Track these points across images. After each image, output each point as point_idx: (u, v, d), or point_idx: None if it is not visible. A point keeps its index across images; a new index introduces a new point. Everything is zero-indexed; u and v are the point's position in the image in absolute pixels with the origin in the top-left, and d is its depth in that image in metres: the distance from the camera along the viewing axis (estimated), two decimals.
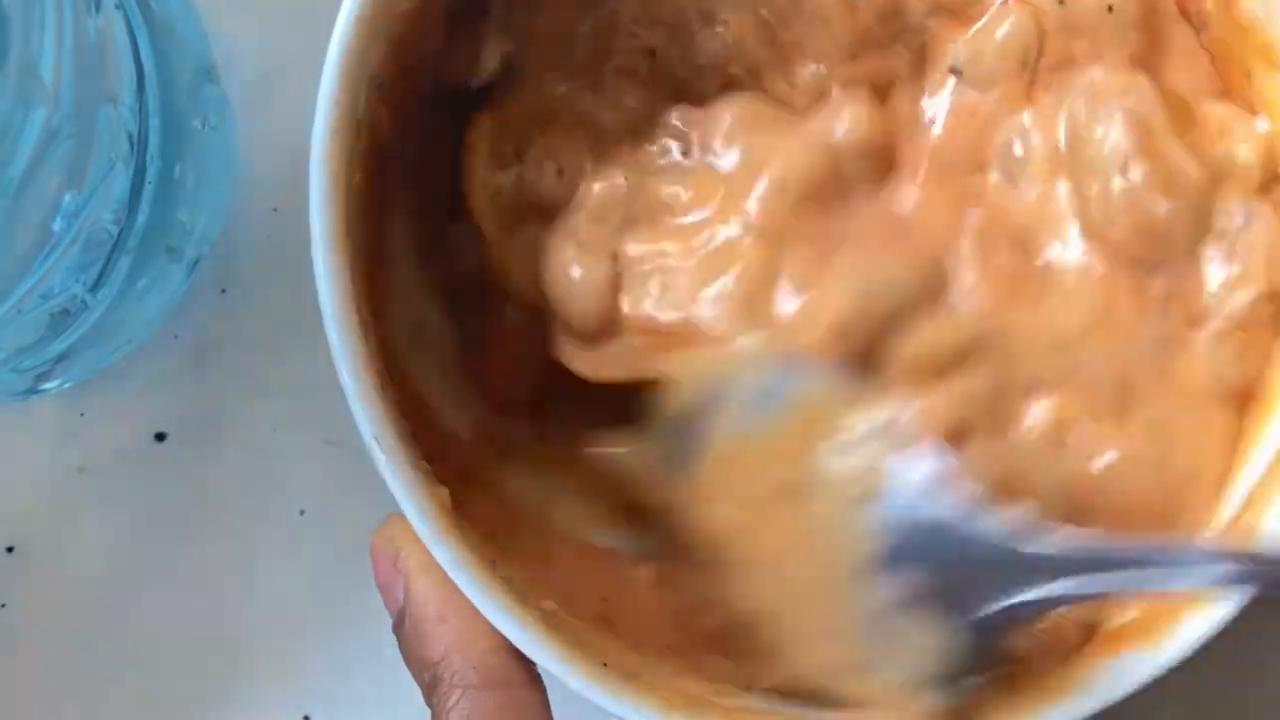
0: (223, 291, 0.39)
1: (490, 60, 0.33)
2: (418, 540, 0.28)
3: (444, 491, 0.29)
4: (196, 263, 0.38)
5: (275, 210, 0.39)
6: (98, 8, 0.30)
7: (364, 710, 0.39)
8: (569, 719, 0.29)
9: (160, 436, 0.39)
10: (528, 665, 0.29)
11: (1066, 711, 0.29)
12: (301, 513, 0.39)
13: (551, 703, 0.29)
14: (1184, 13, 0.32)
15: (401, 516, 0.29)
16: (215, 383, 0.39)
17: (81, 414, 0.39)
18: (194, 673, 0.39)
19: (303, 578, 0.39)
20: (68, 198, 0.30)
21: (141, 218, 0.34)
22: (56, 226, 0.30)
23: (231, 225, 0.39)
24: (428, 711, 0.29)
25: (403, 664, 0.30)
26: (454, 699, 0.28)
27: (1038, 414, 0.31)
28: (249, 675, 0.39)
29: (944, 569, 0.26)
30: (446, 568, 0.28)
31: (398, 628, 0.30)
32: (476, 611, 0.28)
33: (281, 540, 0.39)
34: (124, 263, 0.34)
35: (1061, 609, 0.28)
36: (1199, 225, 0.31)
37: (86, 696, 0.39)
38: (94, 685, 0.39)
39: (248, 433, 0.39)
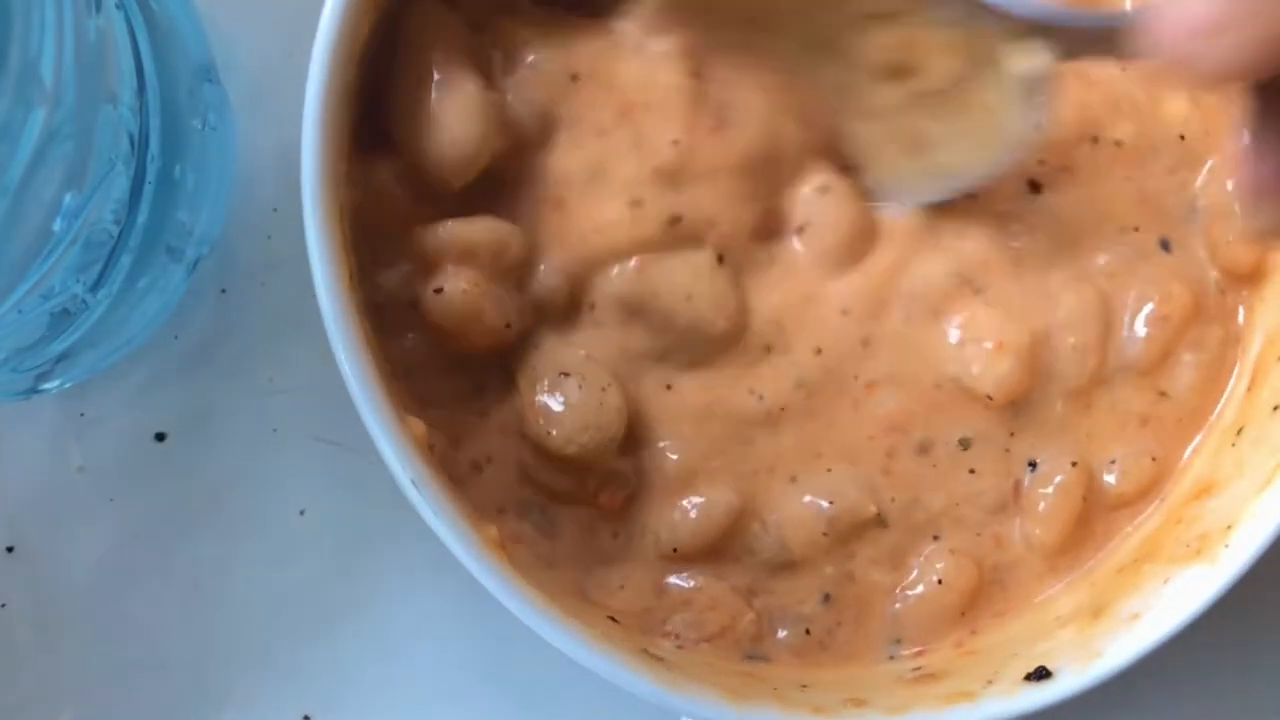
0: (223, 291, 0.39)
1: None
2: None
3: (491, 528, 0.32)
4: (196, 263, 0.38)
5: (275, 210, 0.39)
6: (98, 8, 0.30)
7: (364, 710, 0.39)
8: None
9: (160, 436, 0.39)
10: None
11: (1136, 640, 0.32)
12: (301, 513, 0.39)
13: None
14: None
15: None
16: (215, 383, 0.39)
17: (81, 414, 0.39)
18: (194, 673, 0.39)
19: (303, 578, 0.39)
20: (68, 198, 0.30)
21: (141, 218, 0.34)
22: (56, 226, 0.30)
23: (231, 225, 0.39)
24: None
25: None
26: None
27: None
28: (249, 675, 0.39)
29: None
30: (494, 590, 0.31)
31: None
32: None
33: (281, 540, 0.39)
34: (124, 263, 0.34)
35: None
36: None
37: (86, 696, 0.39)
38: (94, 685, 0.39)
39: (248, 433, 0.39)
